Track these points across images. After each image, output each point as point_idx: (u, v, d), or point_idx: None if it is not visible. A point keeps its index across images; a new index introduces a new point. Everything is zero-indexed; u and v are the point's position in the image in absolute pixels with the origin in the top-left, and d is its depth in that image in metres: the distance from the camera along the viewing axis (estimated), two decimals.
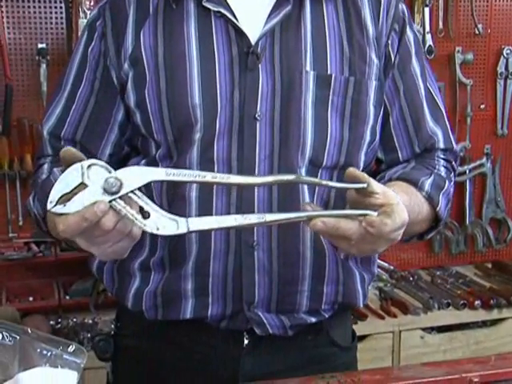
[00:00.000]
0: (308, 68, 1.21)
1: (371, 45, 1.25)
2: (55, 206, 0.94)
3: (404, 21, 1.30)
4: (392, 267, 2.95)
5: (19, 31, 2.50)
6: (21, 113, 2.51)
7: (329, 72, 1.22)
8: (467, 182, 3.00)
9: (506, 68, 2.97)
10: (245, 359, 1.28)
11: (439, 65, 2.84)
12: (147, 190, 1.23)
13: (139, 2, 1.25)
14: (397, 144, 1.32)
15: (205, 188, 1.19)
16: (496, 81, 2.99)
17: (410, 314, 2.60)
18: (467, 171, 2.98)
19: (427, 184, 1.24)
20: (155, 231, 0.96)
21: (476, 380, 1.09)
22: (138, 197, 0.96)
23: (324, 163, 1.22)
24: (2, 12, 2.46)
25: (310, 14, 1.23)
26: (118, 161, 1.28)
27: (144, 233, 1.25)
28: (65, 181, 0.94)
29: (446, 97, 2.88)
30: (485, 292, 2.75)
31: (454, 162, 1.35)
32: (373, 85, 1.25)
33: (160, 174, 0.98)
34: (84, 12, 2.44)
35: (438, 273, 2.97)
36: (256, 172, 1.19)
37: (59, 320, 2.45)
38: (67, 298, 2.53)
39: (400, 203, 1.06)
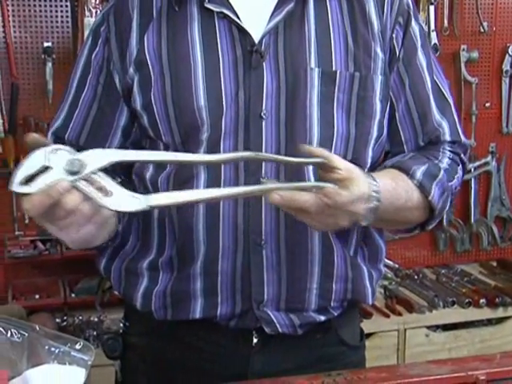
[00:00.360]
0: (313, 65, 1.21)
1: (376, 39, 1.25)
2: (19, 186, 0.97)
3: (409, 14, 1.29)
4: (397, 265, 2.95)
5: (25, 30, 2.50)
6: (26, 111, 2.52)
7: (334, 68, 1.22)
8: (472, 180, 3.00)
9: None
10: (254, 358, 1.28)
11: (444, 63, 2.83)
12: (154, 187, 1.24)
13: (143, 6, 1.25)
14: (403, 137, 1.31)
15: (212, 184, 1.20)
16: (501, 79, 2.98)
17: (415, 312, 2.60)
18: (472, 169, 2.98)
19: (419, 172, 1.23)
20: (117, 208, 0.97)
21: (482, 378, 1.09)
22: (101, 177, 0.98)
23: None
24: (8, 11, 2.46)
25: (313, 10, 1.23)
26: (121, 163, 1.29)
27: (150, 233, 1.28)
28: (29, 164, 0.97)
29: None
30: (490, 290, 2.75)
31: (462, 155, 1.33)
32: (378, 79, 1.24)
33: (122, 154, 1.01)
34: (90, 10, 2.44)
35: (443, 271, 2.97)
36: (263, 171, 1.19)
37: (65, 318, 2.46)
38: (73, 296, 2.54)
39: (361, 177, 1.07)
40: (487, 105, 3.00)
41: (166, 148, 1.24)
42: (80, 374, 0.96)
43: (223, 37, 1.21)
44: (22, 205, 0.98)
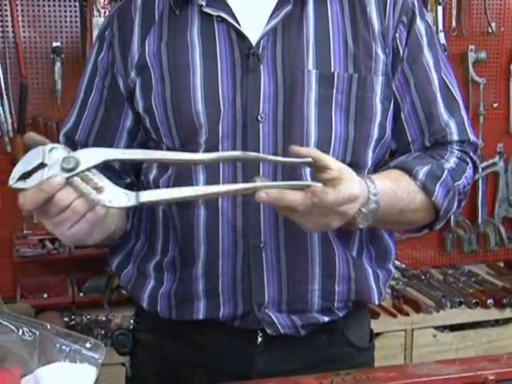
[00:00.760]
0: (310, 67, 1.20)
1: (377, 40, 1.23)
2: (16, 182, 0.99)
3: (413, 12, 1.27)
4: (404, 265, 2.95)
5: (34, 30, 2.51)
6: (35, 111, 2.53)
7: (332, 70, 1.21)
8: (480, 180, 3.00)
9: None
10: (258, 358, 1.28)
11: (452, 63, 2.76)
12: (156, 188, 1.25)
13: (145, 10, 1.26)
14: (409, 137, 1.29)
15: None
16: (509, 79, 2.98)
17: (423, 312, 2.60)
18: (480, 170, 2.96)
19: (421, 173, 1.21)
20: (108, 204, 0.99)
21: (492, 378, 1.09)
22: (94, 174, 1.00)
23: None
24: (17, 11, 2.47)
25: (313, 12, 1.22)
26: (131, 165, 1.31)
27: (156, 234, 1.29)
28: (26, 161, 0.99)
29: None
30: (497, 291, 2.75)
31: (472, 154, 1.31)
32: (379, 80, 1.23)
33: (115, 153, 1.04)
34: (98, 10, 2.45)
35: (450, 271, 2.97)
36: (261, 173, 1.19)
37: (73, 317, 2.47)
38: (81, 294, 2.54)
39: (353, 178, 1.06)
40: (495, 105, 3.00)
41: (168, 150, 1.24)
42: (91, 372, 0.96)
43: (222, 40, 1.21)
44: (18, 199, 1.00)
